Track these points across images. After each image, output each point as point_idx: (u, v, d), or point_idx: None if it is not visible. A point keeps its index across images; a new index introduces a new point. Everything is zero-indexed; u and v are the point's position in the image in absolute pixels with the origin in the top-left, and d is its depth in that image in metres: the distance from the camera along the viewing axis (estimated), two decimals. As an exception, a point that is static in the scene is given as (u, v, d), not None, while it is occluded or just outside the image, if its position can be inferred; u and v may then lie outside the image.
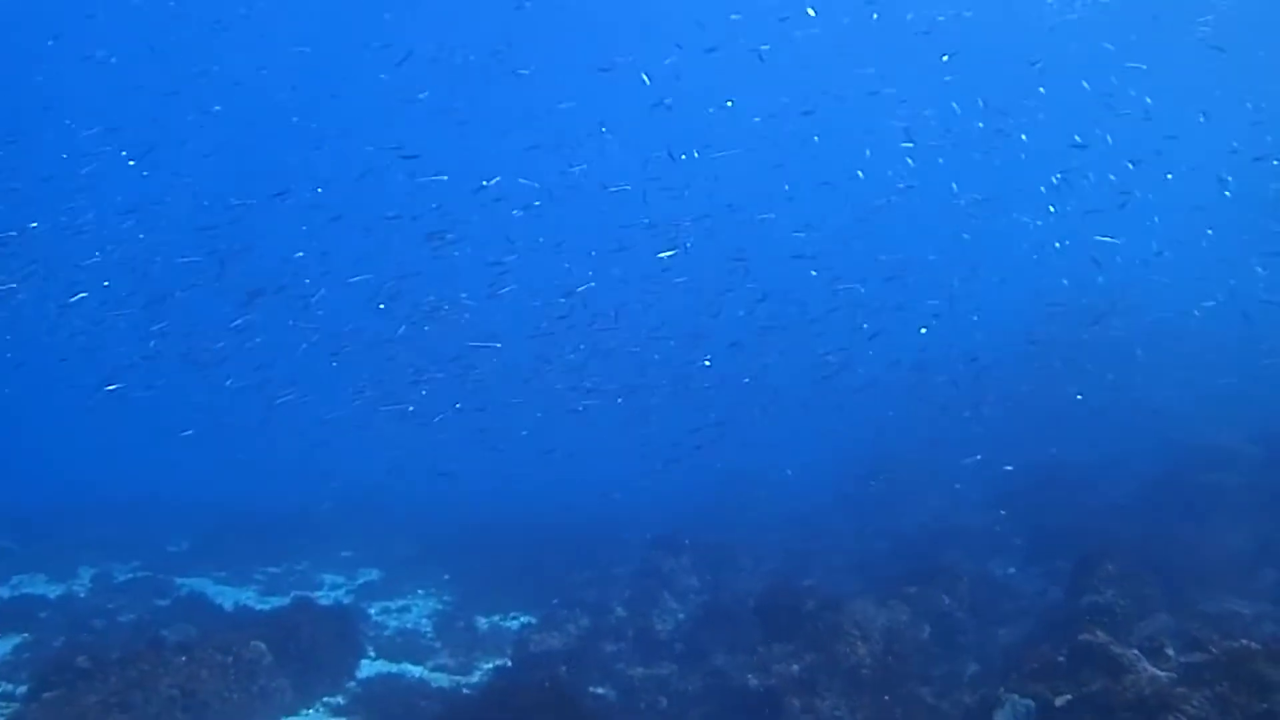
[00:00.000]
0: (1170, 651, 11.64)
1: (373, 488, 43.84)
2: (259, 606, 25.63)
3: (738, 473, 39.77)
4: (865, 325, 35.97)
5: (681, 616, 22.19)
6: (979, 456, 33.82)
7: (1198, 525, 22.36)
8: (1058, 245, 37.98)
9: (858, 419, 42.33)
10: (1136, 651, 11.35)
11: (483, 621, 25.59)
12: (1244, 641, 12.20)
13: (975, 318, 34.29)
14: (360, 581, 31.26)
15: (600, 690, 18.44)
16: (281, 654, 17.20)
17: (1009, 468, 32.51)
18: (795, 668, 14.91)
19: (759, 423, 40.76)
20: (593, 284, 32.75)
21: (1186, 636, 12.35)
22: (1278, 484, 24.23)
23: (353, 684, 19.58)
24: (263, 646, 16.34)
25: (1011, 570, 24.92)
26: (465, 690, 19.37)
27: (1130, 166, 32.55)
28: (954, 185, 40.16)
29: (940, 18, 35.43)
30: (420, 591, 29.64)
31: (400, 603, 28.36)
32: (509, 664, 20.33)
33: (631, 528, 32.75)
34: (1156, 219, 37.06)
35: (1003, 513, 28.31)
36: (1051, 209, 38.01)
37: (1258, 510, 22.95)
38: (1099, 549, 15.64)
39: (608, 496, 37.94)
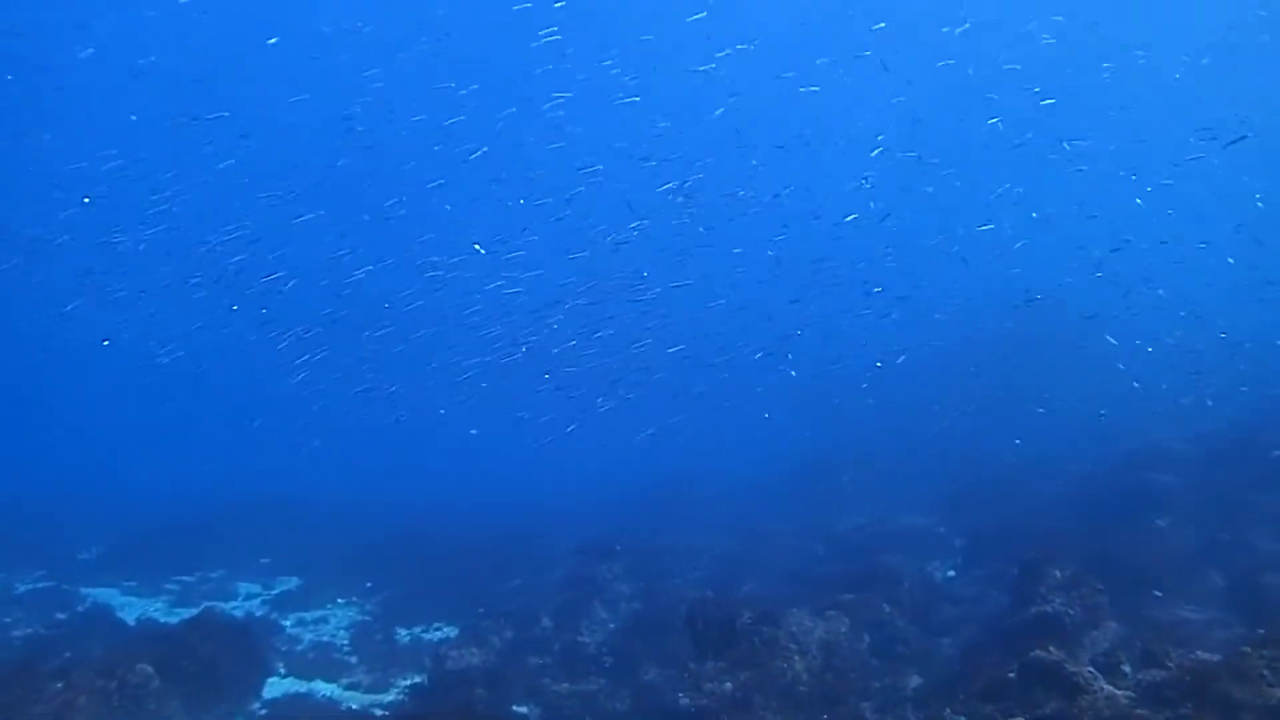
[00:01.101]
0: (1127, 668, 10.86)
1: (297, 490, 42.20)
2: (165, 620, 24.22)
3: (673, 474, 38.75)
4: (800, 331, 35.31)
5: (612, 627, 21.14)
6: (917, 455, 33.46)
7: (1140, 526, 21.76)
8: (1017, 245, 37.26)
9: (794, 420, 41.70)
10: (1091, 670, 10.53)
11: (403, 633, 24.37)
12: (1202, 655, 11.49)
13: (938, 315, 33.44)
14: (278, 591, 29.84)
15: (523, 709, 17.36)
16: (175, 675, 15.88)
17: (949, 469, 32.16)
18: (729, 686, 13.94)
19: (696, 425, 39.95)
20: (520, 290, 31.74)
21: (1141, 650, 11.60)
22: (1217, 484, 23.78)
23: (256, 704, 18.28)
24: (149, 669, 15.00)
25: (951, 573, 24.31)
26: (377, 712, 18.11)
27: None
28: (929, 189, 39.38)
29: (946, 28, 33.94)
30: (340, 601, 28.27)
31: (318, 613, 27.01)
32: (425, 682, 19.08)
33: (563, 531, 31.67)
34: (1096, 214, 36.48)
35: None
36: (1034, 214, 37.14)
37: (1198, 510, 22.48)
38: (1044, 554, 14.85)
39: (541, 499, 36.86)
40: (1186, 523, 21.69)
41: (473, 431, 38.83)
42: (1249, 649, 10.18)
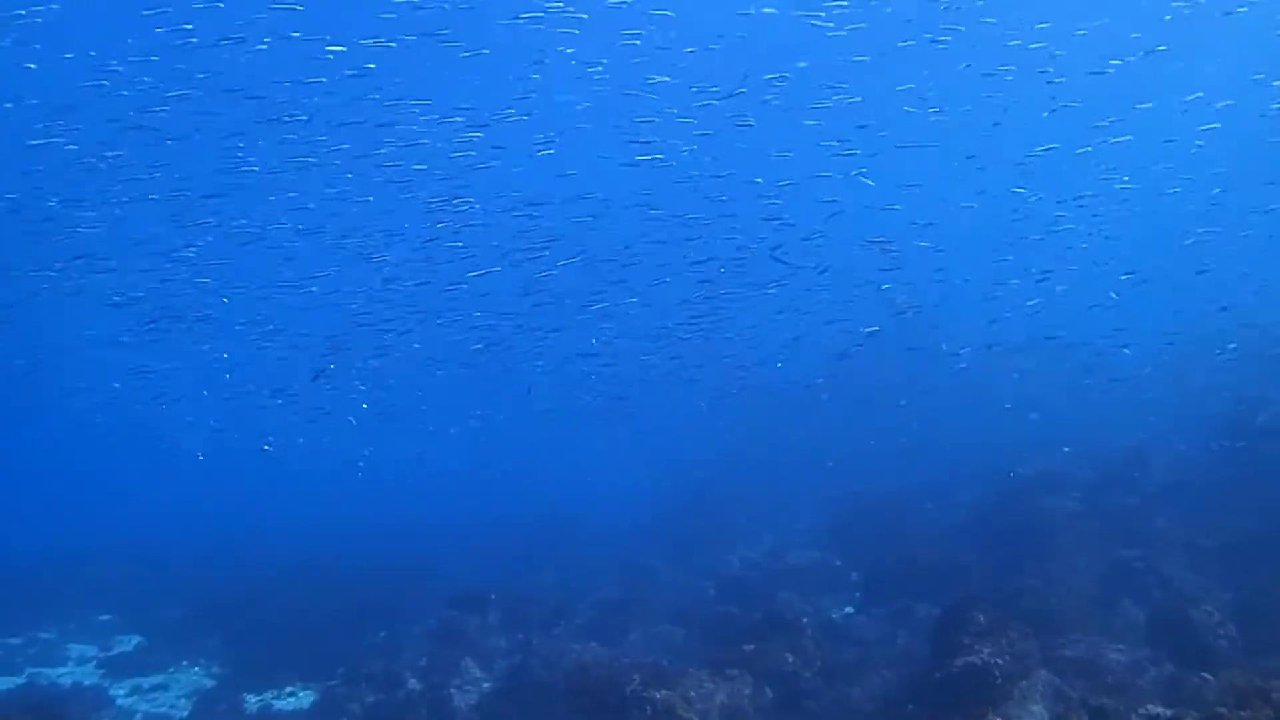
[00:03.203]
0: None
1: (143, 537, 38.94)
2: (-22, 695, 21.25)
3: (551, 515, 36.83)
4: (675, 358, 33.90)
5: (487, 687, 19.17)
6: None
7: (1045, 555, 20.74)
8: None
9: (675, 452, 40.37)
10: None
11: (252, 700, 21.82)
12: (1154, 710, 10.17)
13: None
14: (115, 652, 26.89)
15: (384, 792, 15.22)
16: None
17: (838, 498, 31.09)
18: (621, 762, 12.13)
19: (573, 462, 38.29)
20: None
21: (1084, 705, 10.25)
22: (1115, 506, 23.11)
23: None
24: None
25: (849, 609, 23.05)
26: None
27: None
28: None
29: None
30: (184, 663, 25.45)
31: (157, 678, 24.24)
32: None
33: (433, 577, 29.50)
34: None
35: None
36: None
37: (1102, 536, 21.64)
38: (965, 597, 13.46)
39: (407, 540, 34.59)
40: (1092, 550, 20.75)
41: (266, 446, 36.43)
42: (1224, 710, 8.83)
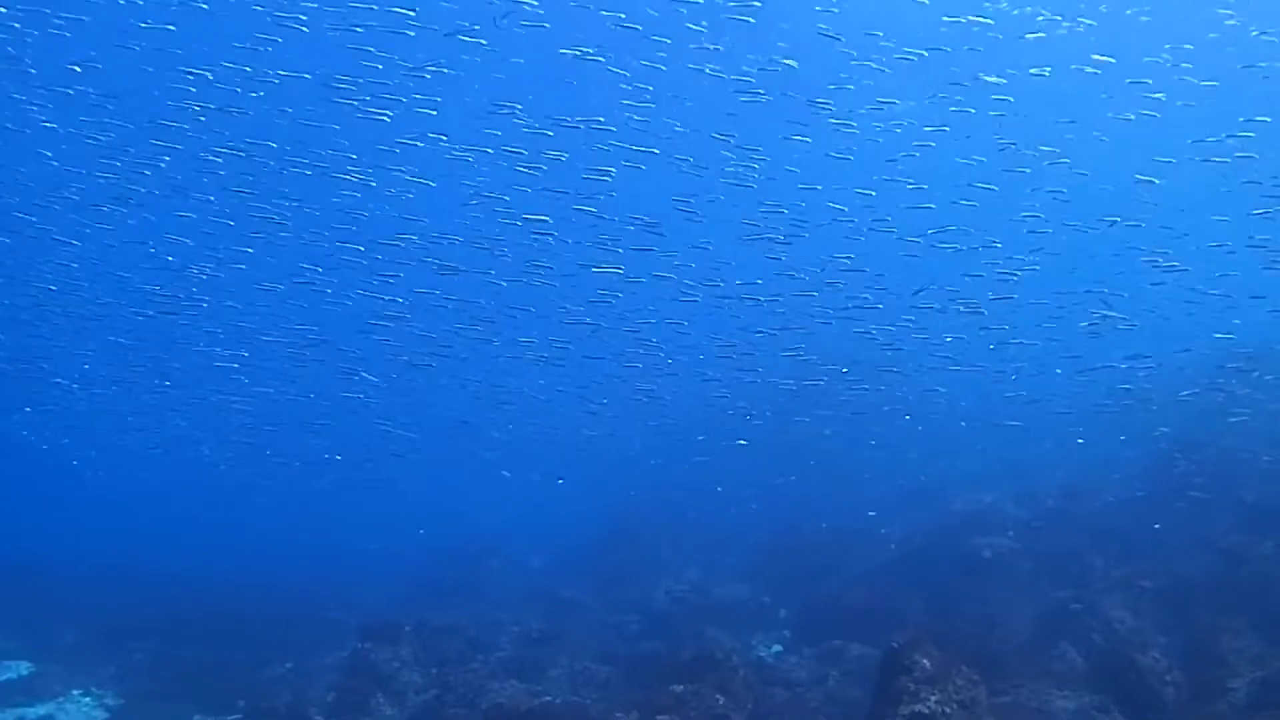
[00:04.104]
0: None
1: (36, 557, 36.89)
2: None
3: (471, 542, 35.65)
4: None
5: (397, 727, 18.05)
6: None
7: (981, 595, 20.28)
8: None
9: (599, 481, 39.50)
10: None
11: (145, 735, 20.45)
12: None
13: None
14: (1, 679, 25.15)
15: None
16: None
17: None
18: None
19: (495, 488, 37.26)
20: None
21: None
22: (1048, 546, 22.68)
23: None
24: None
25: (778, 648, 22.39)
26: None
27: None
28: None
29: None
30: (75, 692, 23.78)
31: (44, 709, 22.59)
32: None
33: (348, 606, 28.25)
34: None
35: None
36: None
37: (1038, 576, 21.27)
38: (908, 641, 12.72)
39: (323, 567, 33.25)
40: (1029, 591, 20.33)
41: (74, 462, 35.17)
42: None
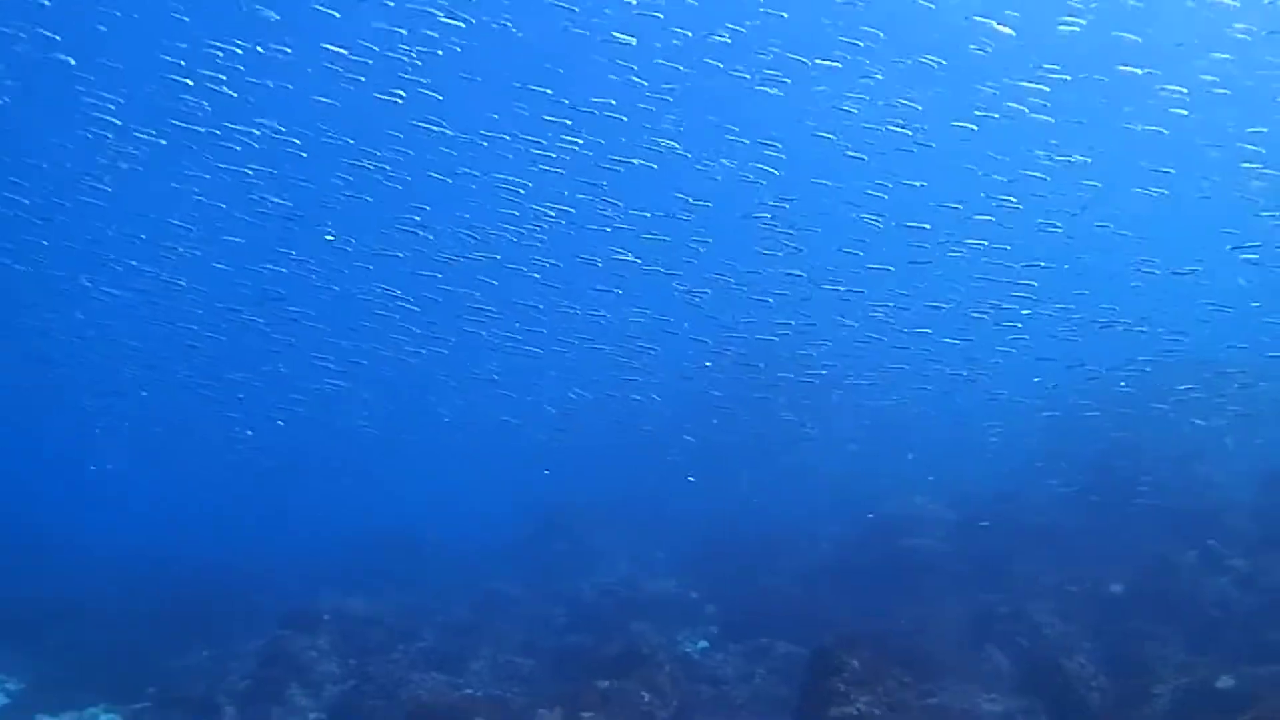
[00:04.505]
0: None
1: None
2: None
3: (397, 529, 34.95)
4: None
5: (312, 717, 17.50)
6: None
7: (910, 597, 20.19)
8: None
9: (532, 469, 38.96)
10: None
11: (47, 724, 19.62)
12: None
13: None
14: (-109, 670, 24.10)
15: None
16: None
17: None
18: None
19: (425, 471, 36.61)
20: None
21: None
22: (980, 549, 22.70)
23: None
24: None
25: (704, 644, 21.99)
26: None
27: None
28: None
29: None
30: (-28, 681, 22.95)
31: (-64, 695, 21.72)
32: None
33: (268, 592, 27.45)
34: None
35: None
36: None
37: (967, 580, 21.32)
38: (839, 641, 12.52)
39: (244, 550, 32.36)
40: (958, 593, 20.29)
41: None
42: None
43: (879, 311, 27.21)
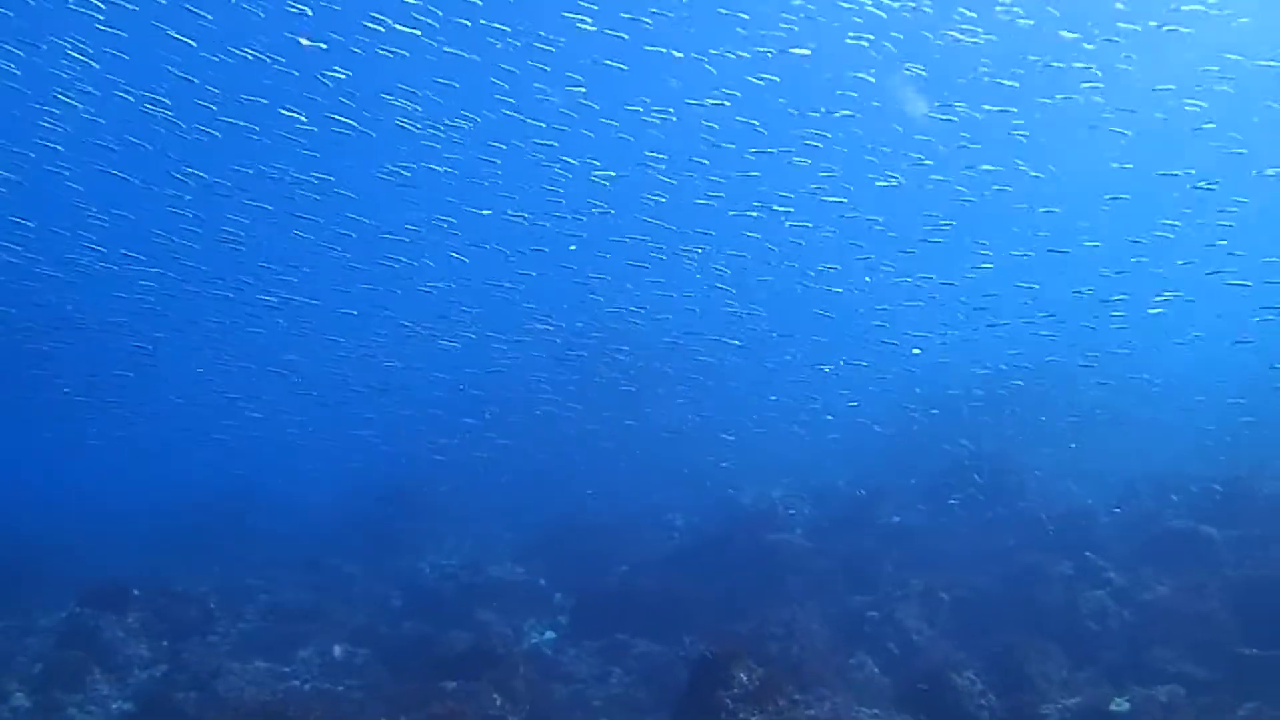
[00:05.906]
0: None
1: None
2: None
3: (221, 496, 32.52)
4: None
5: (116, 707, 15.51)
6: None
7: (770, 594, 19.23)
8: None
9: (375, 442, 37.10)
10: None
11: None
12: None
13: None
14: None
15: None
16: None
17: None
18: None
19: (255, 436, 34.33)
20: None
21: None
22: (844, 547, 22.04)
23: None
24: None
25: (551, 634, 20.78)
26: None
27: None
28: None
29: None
30: None
31: None
32: None
33: (70, 563, 24.95)
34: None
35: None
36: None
37: (831, 578, 20.56)
38: (725, 652, 11.30)
39: (42, 518, 29.59)
40: (825, 593, 19.49)
41: None
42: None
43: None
